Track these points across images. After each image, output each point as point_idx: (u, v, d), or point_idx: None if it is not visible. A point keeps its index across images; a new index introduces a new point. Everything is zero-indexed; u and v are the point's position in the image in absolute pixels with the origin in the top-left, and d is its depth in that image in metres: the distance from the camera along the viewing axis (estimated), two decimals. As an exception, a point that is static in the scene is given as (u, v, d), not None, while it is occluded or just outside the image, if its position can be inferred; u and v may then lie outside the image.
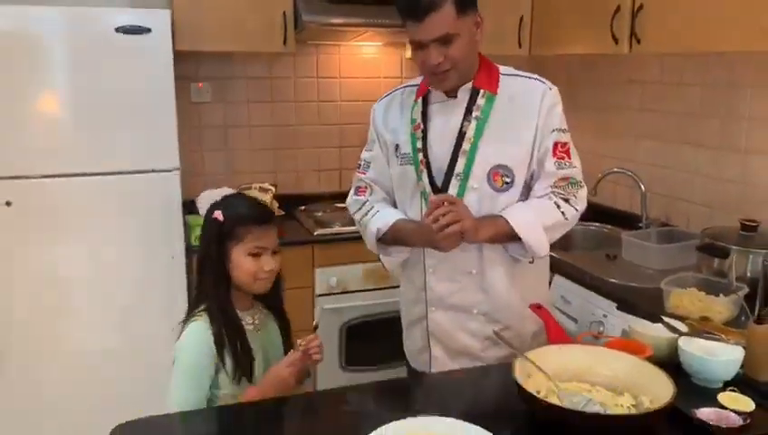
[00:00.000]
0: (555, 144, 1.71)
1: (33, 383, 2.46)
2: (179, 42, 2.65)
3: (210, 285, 1.58)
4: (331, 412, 1.47)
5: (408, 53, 3.24)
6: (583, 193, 1.76)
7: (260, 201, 1.61)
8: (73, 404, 2.48)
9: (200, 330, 1.54)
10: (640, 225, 2.77)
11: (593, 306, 2.25)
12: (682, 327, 1.62)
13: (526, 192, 1.76)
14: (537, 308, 1.65)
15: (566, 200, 1.73)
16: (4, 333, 2.41)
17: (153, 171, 2.52)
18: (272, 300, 1.70)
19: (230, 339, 1.54)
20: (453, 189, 1.71)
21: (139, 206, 2.52)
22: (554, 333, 1.57)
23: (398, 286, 2.91)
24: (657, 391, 1.33)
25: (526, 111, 1.69)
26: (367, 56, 3.40)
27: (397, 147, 1.80)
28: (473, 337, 1.79)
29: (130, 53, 2.43)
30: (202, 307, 1.58)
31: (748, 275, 2.06)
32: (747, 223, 2.15)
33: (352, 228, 2.45)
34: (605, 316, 2.16)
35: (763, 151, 2.36)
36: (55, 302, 2.46)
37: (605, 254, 2.60)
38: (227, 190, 2.84)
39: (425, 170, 1.73)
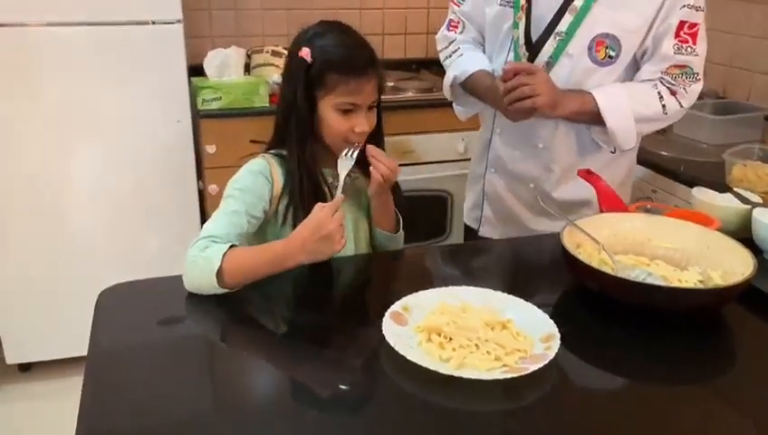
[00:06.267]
0: (681, 23, 1.44)
1: (34, 250, 2.34)
2: None
3: (294, 141, 1.27)
4: (359, 278, 1.31)
5: None
6: (696, 88, 1.50)
7: (361, 39, 1.28)
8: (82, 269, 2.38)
9: (260, 163, 1.29)
10: (694, 97, 2.49)
11: (639, 181, 2.03)
12: (755, 198, 1.41)
13: (632, 71, 1.51)
14: (587, 174, 1.43)
15: (673, 93, 1.48)
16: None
17: (153, 23, 2.26)
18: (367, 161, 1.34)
19: (303, 201, 1.25)
20: (548, 50, 1.47)
21: (140, 61, 2.27)
22: (607, 201, 1.36)
23: (422, 163, 2.78)
24: (731, 265, 1.14)
25: None
26: None
27: None
28: (524, 208, 1.64)
29: None
30: (274, 152, 1.31)
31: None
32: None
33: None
34: (654, 192, 1.95)
35: None
36: (49, 164, 2.28)
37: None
38: (237, 50, 2.62)
39: (524, 18, 1.47)
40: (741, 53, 2.42)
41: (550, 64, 1.47)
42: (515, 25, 1.49)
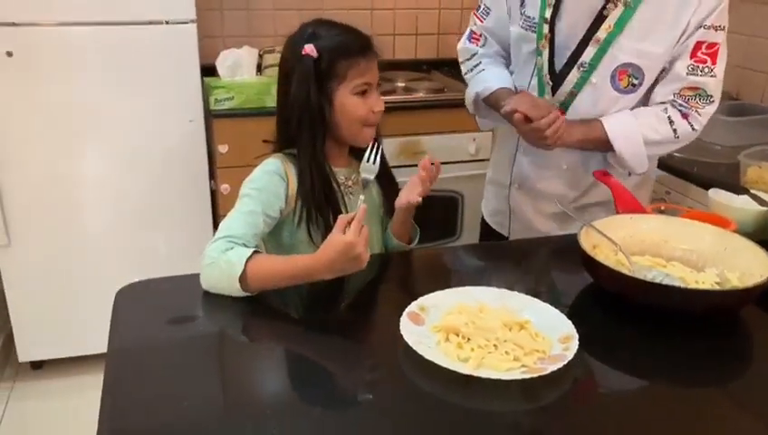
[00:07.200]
0: (698, 44, 1.40)
1: (46, 249, 2.35)
2: None
3: (307, 141, 1.28)
4: (375, 277, 1.29)
5: None
6: (710, 110, 1.47)
7: (351, 26, 1.32)
8: (94, 270, 2.39)
9: (275, 163, 1.30)
10: (707, 98, 2.48)
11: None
12: (772, 200, 1.40)
13: (649, 94, 1.51)
14: (603, 175, 1.43)
15: (684, 115, 1.46)
16: (12, 197, 2.27)
17: (167, 23, 2.27)
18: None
19: (316, 202, 1.28)
20: (571, 80, 1.47)
21: (153, 61, 2.28)
22: (624, 202, 1.36)
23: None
24: (748, 267, 1.14)
25: (681, 4, 1.38)
26: None
27: (523, 2, 1.52)
28: (550, 221, 1.64)
29: None
30: (287, 151, 1.32)
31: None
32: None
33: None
34: (667, 193, 1.95)
35: None
36: (61, 164, 2.29)
37: (665, 129, 2.34)
38: (250, 50, 2.62)
39: (547, 48, 1.47)
40: (755, 54, 2.41)
41: (573, 94, 1.48)
42: (539, 53, 1.49)
